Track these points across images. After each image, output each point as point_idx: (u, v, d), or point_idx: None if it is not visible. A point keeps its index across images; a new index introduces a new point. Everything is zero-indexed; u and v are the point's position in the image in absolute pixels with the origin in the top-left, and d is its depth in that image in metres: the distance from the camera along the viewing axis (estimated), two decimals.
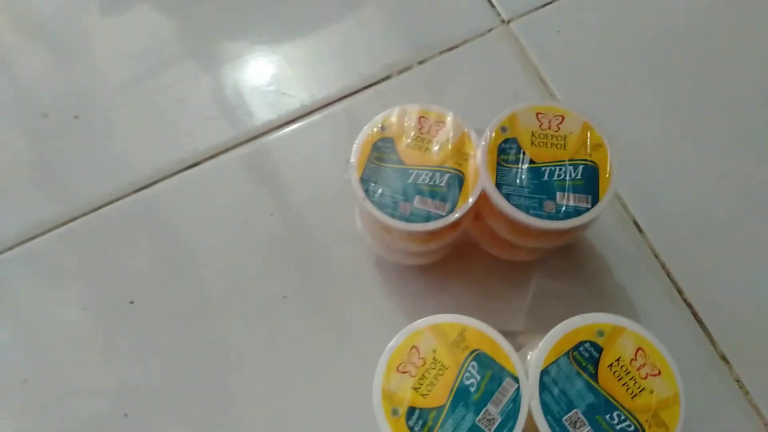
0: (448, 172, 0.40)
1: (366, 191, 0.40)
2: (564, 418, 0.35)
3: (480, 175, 0.40)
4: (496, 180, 0.39)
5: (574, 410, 0.35)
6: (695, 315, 0.49)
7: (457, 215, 0.39)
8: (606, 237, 0.51)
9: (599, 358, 0.36)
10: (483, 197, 0.41)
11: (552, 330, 0.36)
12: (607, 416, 0.35)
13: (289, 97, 0.57)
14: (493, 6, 0.59)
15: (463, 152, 0.40)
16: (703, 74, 0.56)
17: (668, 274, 0.50)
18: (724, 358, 0.47)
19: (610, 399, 0.35)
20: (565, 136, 0.40)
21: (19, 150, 0.56)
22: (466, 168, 0.40)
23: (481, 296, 0.49)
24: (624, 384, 0.35)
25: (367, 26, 0.59)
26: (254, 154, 0.55)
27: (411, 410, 0.35)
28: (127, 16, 0.61)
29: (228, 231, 0.53)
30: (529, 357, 0.37)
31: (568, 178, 0.39)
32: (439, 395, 0.35)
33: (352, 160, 0.40)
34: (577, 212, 0.39)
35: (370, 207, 0.39)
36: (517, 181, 0.39)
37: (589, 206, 0.39)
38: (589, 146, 0.40)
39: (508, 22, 0.59)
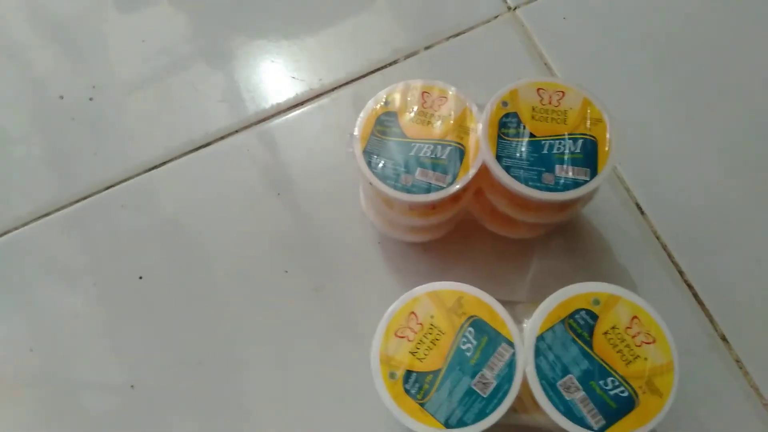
0: (450, 145, 0.41)
1: (369, 164, 0.41)
2: (558, 383, 0.35)
3: (480, 148, 0.40)
4: (496, 152, 0.40)
5: (569, 375, 0.35)
6: (696, 296, 0.49)
7: (457, 186, 0.40)
8: (608, 219, 0.52)
9: (594, 325, 0.36)
10: (483, 171, 0.41)
11: (548, 298, 0.37)
12: (601, 382, 0.35)
13: (298, 81, 0.58)
14: None
15: (464, 126, 0.41)
16: (707, 60, 0.57)
17: (669, 256, 0.50)
18: (724, 339, 0.48)
19: (605, 365, 0.36)
20: (565, 111, 0.41)
21: (35, 129, 0.58)
22: (467, 141, 0.41)
23: (482, 274, 0.50)
24: (619, 351, 0.36)
25: (375, 12, 0.61)
26: (263, 135, 0.56)
27: (408, 374, 0.36)
28: (141, 9, 0.63)
29: (236, 210, 0.54)
30: (525, 324, 0.37)
31: (567, 151, 0.40)
32: (435, 359, 0.36)
33: (356, 133, 0.42)
34: (576, 184, 0.39)
35: (371, 177, 0.40)
36: (517, 154, 0.40)
37: (588, 179, 0.39)
38: (588, 121, 0.41)
39: (515, 8, 0.59)
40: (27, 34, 0.62)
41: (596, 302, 0.37)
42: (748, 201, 0.52)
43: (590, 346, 0.36)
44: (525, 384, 0.36)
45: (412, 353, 0.36)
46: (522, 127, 0.41)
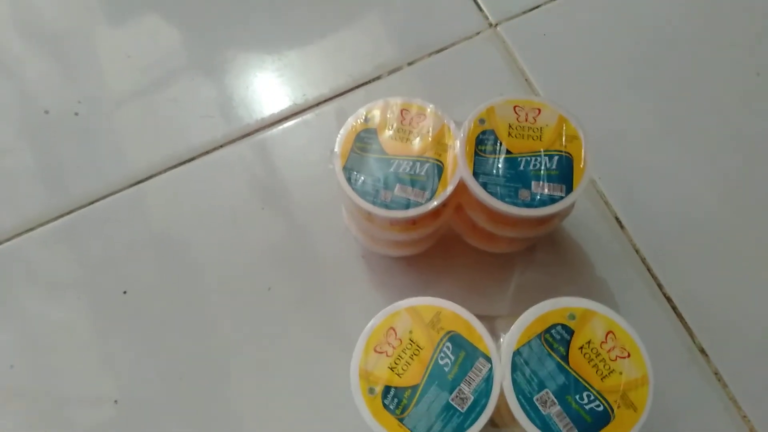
0: (428, 162, 0.41)
1: (349, 180, 0.41)
2: (535, 398, 0.36)
3: (458, 165, 0.41)
4: (474, 169, 0.41)
5: (545, 390, 0.36)
6: (674, 309, 0.50)
7: (435, 202, 0.40)
8: (588, 232, 0.52)
9: (570, 340, 0.37)
10: (462, 187, 0.42)
11: (525, 313, 0.37)
12: (577, 396, 0.36)
13: (283, 96, 0.59)
14: (481, 9, 0.61)
15: (442, 143, 0.42)
16: (686, 75, 0.58)
17: (648, 269, 0.51)
18: (702, 351, 0.48)
19: (581, 380, 0.36)
20: (541, 128, 0.42)
21: (20, 144, 0.58)
22: (445, 158, 0.42)
23: (465, 288, 0.51)
24: (594, 366, 0.36)
25: (358, 28, 0.61)
26: (247, 150, 0.57)
27: (387, 389, 0.36)
28: (128, 23, 0.63)
29: (219, 224, 0.54)
30: (501, 339, 0.38)
31: (543, 168, 0.41)
32: (414, 374, 0.36)
33: (336, 149, 0.42)
34: (552, 200, 0.40)
35: (351, 194, 0.41)
36: (494, 170, 0.41)
37: (563, 195, 0.40)
38: (564, 138, 0.41)
39: (496, 25, 0.60)
40: (14, 46, 0.62)
41: (572, 317, 0.37)
42: (727, 214, 0.52)
43: (566, 361, 0.36)
44: (502, 398, 0.36)
45: (391, 368, 0.37)
46: (499, 144, 0.41)
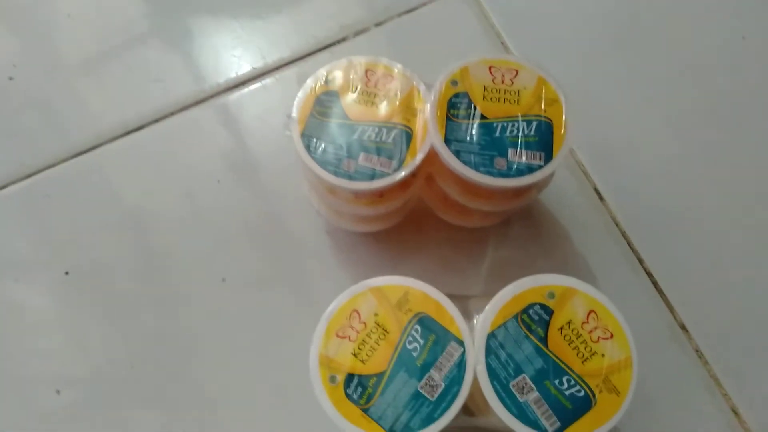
0: (395, 128, 0.38)
1: (308, 148, 0.37)
2: (511, 384, 0.33)
3: (428, 131, 0.37)
4: (445, 136, 0.37)
5: (522, 375, 0.33)
6: (655, 284, 0.47)
7: (403, 173, 0.37)
8: (566, 205, 0.50)
9: (549, 320, 0.34)
10: (433, 156, 0.38)
11: (500, 292, 0.34)
12: (556, 381, 0.33)
13: (240, 60, 0.54)
14: None
15: (411, 107, 0.38)
16: (669, 41, 0.55)
17: (629, 243, 0.48)
18: (683, 328, 0.46)
19: (560, 363, 0.33)
20: (518, 90, 0.38)
21: None
22: (414, 124, 0.38)
23: (436, 265, 0.48)
24: (575, 348, 0.34)
25: None
26: (201, 117, 0.53)
27: (350, 377, 0.33)
28: None
29: (172, 198, 0.50)
30: (475, 321, 0.35)
31: (520, 134, 0.37)
32: (380, 361, 0.33)
33: (294, 114, 0.38)
34: (530, 169, 0.37)
35: (310, 163, 0.37)
36: (468, 137, 0.37)
37: (542, 163, 0.37)
38: (543, 102, 0.38)
39: None
40: None
41: (551, 296, 0.34)
42: (710, 187, 0.50)
43: (545, 343, 0.34)
44: (476, 385, 0.33)
45: (355, 354, 0.33)
46: (473, 108, 0.38)
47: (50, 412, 0.45)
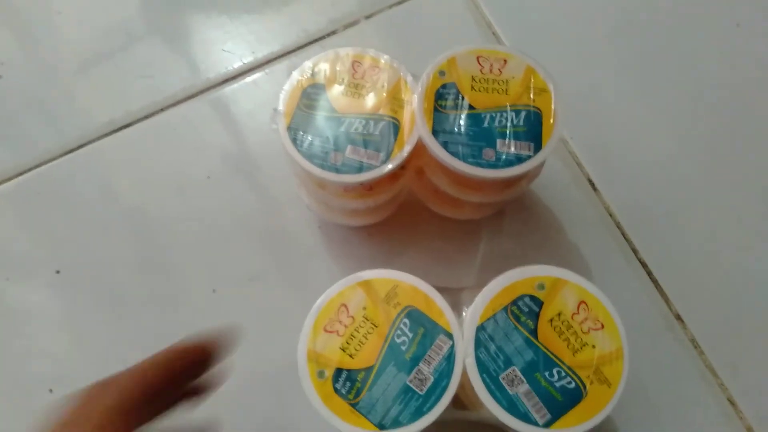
0: (383, 120, 0.37)
1: (294, 141, 0.37)
2: (501, 376, 0.33)
3: (416, 122, 0.37)
4: (433, 127, 0.37)
5: (512, 368, 0.33)
6: (650, 274, 0.47)
7: (391, 165, 0.36)
8: (560, 196, 0.49)
9: (539, 312, 0.34)
10: (421, 148, 0.38)
11: (489, 284, 0.34)
12: (547, 373, 0.33)
13: (230, 55, 0.54)
14: None
15: (398, 98, 0.38)
16: (662, 31, 0.54)
17: (623, 234, 0.48)
18: (678, 318, 0.46)
19: (550, 355, 0.33)
20: (507, 80, 0.38)
21: None
22: (401, 115, 0.37)
23: (429, 258, 0.47)
24: (565, 339, 0.33)
25: None
26: (192, 113, 0.52)
27: (338, 372, 0.33)
28: None
29: (163, 195, 0.50)
30: (464, 313, 0.34)
31: (509, 124, 0.37)
32: (368, 355, 0.33)
33: (280, 107, 0.38)
34: (519, 160, 0.36)
35: (297, 156, 0.36)
36: (456, 128, 0.37)
37: (531, 153, 0.36)
38: (532, 91, 0.37)
39: None
40: None
41: (541, 287, 0.34)
42: (704, 177, 0.50)
43: (535, 335, 0.33)
44: (466, 378, 0.33)
45: (343, 349, 0.33)
46: (460, 99, 0.37)
47: (43, 411, 0.44)
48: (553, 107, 0.37)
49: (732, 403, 0.44)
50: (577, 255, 0.48)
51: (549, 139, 0.37)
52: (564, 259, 0.48)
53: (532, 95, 0.37)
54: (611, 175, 0.49)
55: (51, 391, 0.45)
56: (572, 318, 0.34)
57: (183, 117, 0.52)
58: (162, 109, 0.52)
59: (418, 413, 0.32)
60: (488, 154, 0.36)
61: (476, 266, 0.47)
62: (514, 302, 0.34)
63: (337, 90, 0.38)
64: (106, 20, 0.55)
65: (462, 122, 0.37)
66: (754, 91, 0.52)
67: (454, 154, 0.36)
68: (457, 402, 0.35)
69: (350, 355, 0.33)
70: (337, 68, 0.39)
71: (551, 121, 0.37)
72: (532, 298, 0.34)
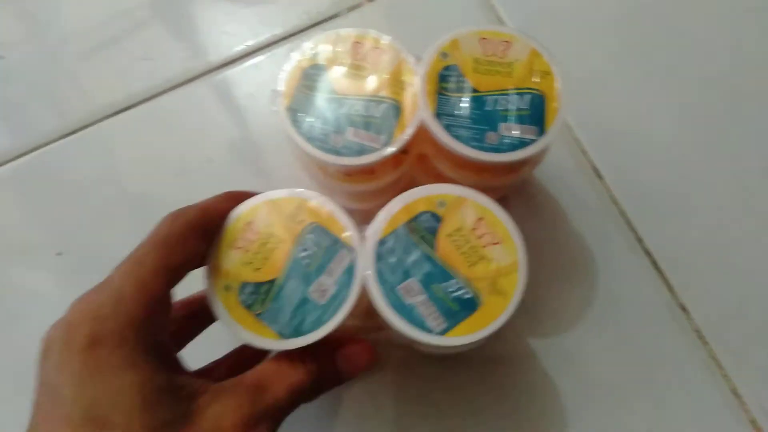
0: (384, 102, 0.37)
1: (294, 122, 0.36)
2: (398, 287, 0.33)
3: (418, 105, 0.36)
4: (436, 110, 0.36)
5: (410, 279, 0.33)
6: (655, 264, 0.46)
7: (392, 148, 0.36)
8: (563, 183, 0.48)
9: (438, 227, 0.34)
10: (424, 132, 0.37)
11: (391, 201, 0.35)
12: (443, 285, 0.33)
13: (231, 36, 0.53)
14: None
15: (400, 80, 0.37)
16: (671, 13, 0.53)
17: (628, 222, 0.47)
18: (683, 308, 0.45)
19: (448, 268, 0.34)
20: (511, 63, 0.37)
21: None
22: (403, 97, 0.37)
23: None
24: (463, 253, 0.34)
25: None
26: (192, 96, 0.52)
27: (244, 285, 0.34)
28: None
29: (163, 179, 0.49)
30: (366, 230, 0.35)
31: (513, 107, 0.36)
32: (272, 269, 0.34)
33: (279, 88, 0.37)
34: (523, 144, 0.35)
35: (297, 138, 0.36)
36: (458, 110, 0.36)
37: (536, 138, 0.36)
38: (536, 74, 0.37)
39: None
40: None
41: (442, 204, 0.35)
42: (711, 165, 0.49)
43: (433, 249, 0.34)
44: (365, 290, 0.34)
45: (248, 263, 0.34)
46: (463, 81, 0.37)
47: None
48: (557, 90, 0.36)
49: (736, 394, 0.43)
50: (581, 243, 0.47)
51: (553, 122, 0.36)
52: (567, 247, 0.47)
53: (536, 78, 0.37)
54: (616, 163, 0.49)
55: None
56: (471, 233, 0.34)
57: (184, 99, 0.51)
58: (163, 91, 0.52)
59: (319, 322, 0.33)
60: (491, 137, 0.35)
61: None
62: (415, 218, 0.34)
63: (337, 71, 0.37)
64: (108, 2, 0.54)
65: (465, 105, 0.36)
66: (765, 76, 0.51)
67: (457, 137, 0.35)
68: (356, 316, 0.35)
69: (256, 269, 0.34)
70: (338, 49, 0.38)
71: (555, 104, 0.36)
72: (433, 214, 0.35)
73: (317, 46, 0.38)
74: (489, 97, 0.36)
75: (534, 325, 0.45)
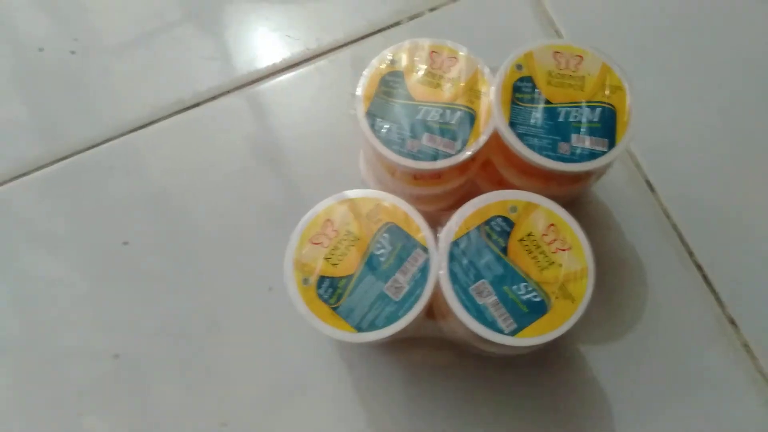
0: (459, 110, 0.38)
1: (372, 127, 0.38)
2: (471, 288, 0.35)
3: (492, 114, 0.38)
4: (510, 119, 0.37)
5: (482, 280, 0.35)
6: (705, 277, 0.47)
7: (468, 153, 0.37)
8: (616, 195, 0.50)
9: (510, 232, 0.36)
10: (493, 140, 0.39)
11: (464, 205, 0.36)
12: (514, 287, 0.35)
13: (294, 41, 0.55)
14: None
15: (475, 89, 0.39)
16: (725, 32, 0.54)
17: (679, 235, 0.48)
18: (732, 322, 0.46)
19: (518, 271, 0.35)
20: (583, 76, 0.38)
21: (11, 84, 0.54)
22: (477, 106, 0.38)
23: None
24: (533, 257, 0.35)
25: None
26: (256, 97, 0.53)
27: (321, 279, 0.35)
28: None
29: (225, 175, 0.51)
30: (440, 232, 0.36)
31: (584, 120, 0.37)
32: (350, 264, 0.36)
33: (359, 92, 0.39)
34: (594, 155, 0.37)
35: (374, 142, 0.37)
36: (532, 120, 0.37)
37: (606, 150, 0.37)
38: (607, 89, 0.38)
39: None
40: None
41: (513, 210, 0.36)
42: (764, 180, 0.50)
43: (505, 253, 0.35)
44: (438, 289, 0.35)
45: (327, 259, 0.36)
46: (537, 93, 0.38)
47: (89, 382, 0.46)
48: (628, 105, 0.38)
49: None
50: (632, 255, 0.48)
51: (623, 136, 0.37)
52: (618, 259, 0.48)
53: (607, 92, 0.38)
54: (669, 176, 0.50)
55: (117, 356, 0.46)
56: (541, 238, 0.36)
57: (249, 100, 0.53)
58: (228, 91, 0.54)
59: (393, 317, 0.35)
60: (563, 147, 0.37)
61: None
62: (487, 222, 0.36)
63: (414, 78, 0.39)
64: (180, 7, 0.56)
65: (538, 116, 0.37)
66: None
67: (530, 146, 0.37)
68: (429, 313, 0.37)
69: (333, 264, 0.35)
70: (415, 57, 0.39)
71: (625, 118, 0.38)
72: (505, 219, 0.36)
73: (396, 54, 0.40)
74: (561, 108, 0.38)
75: (585, 332, 0.46)
